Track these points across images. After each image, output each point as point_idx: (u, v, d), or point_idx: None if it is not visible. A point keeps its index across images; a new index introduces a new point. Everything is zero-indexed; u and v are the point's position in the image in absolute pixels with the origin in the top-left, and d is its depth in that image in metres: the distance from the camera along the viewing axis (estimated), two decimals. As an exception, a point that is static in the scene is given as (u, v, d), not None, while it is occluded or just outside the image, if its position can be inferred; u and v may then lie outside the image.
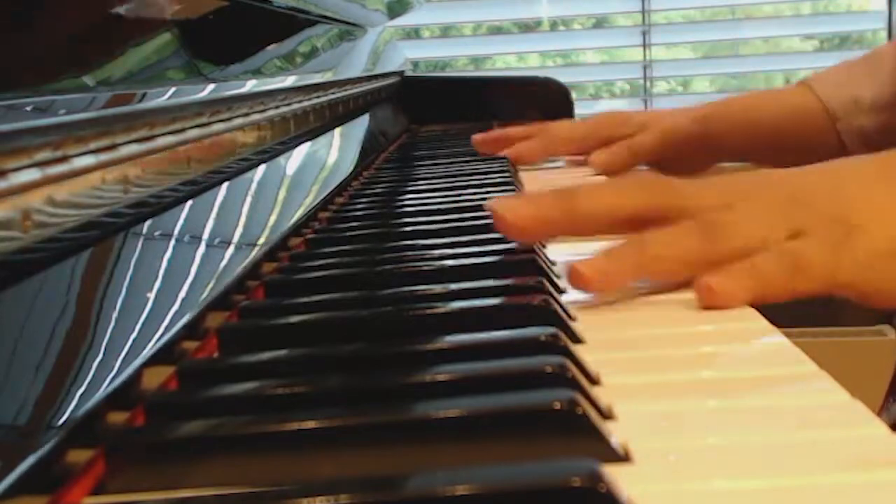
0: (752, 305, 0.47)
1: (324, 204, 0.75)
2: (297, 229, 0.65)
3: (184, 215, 0.50)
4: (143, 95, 0.48)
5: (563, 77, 1.53)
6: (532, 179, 0.95)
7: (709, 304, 0.46)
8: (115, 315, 0.38)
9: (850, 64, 0.98)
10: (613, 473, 0.27)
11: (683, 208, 0.51)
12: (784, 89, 1.03)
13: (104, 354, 0.35)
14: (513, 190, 0.77)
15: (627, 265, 0.49)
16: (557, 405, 0.30)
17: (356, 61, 1.21)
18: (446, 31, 2.49)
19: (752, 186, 0.53)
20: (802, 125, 0.96)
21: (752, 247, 0.49)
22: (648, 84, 2.37)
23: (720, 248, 0.49)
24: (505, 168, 0.92)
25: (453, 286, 0.47)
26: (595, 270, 0.48)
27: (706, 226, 0.49)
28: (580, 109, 1.51)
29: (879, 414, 0.85)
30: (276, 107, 0.73)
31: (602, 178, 0.90)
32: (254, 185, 0.63)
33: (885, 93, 0.92)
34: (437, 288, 0.48)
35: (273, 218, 0.62)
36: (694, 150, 0.98)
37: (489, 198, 0.73)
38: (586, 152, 0.98)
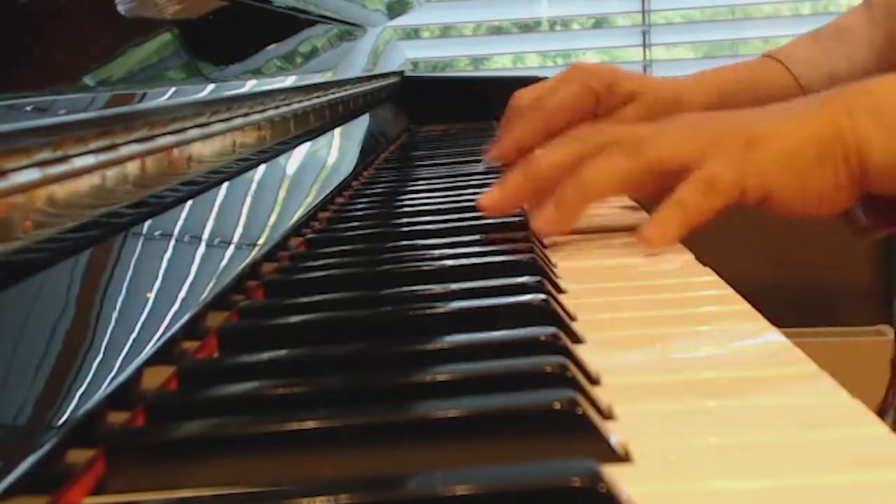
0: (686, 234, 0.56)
1: (324, 204, 0.75)
2: (297, 229, 0.65)
3: (184, 215, 0.50)
4: (143, 95, 0.48)
5: (563, 77, 1.52)
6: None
7: (650, 245, 0.56)
8: (115, 315, 0.38)
9: (818, 38, 0.94)
10: (613, 473, 0.27)
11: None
12: (754, 64, 0.97)
13: (104, 354, 0.35)
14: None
15: (570, 204, 0.58)
16: (557, 405, 0.30)
17: (356, 61, 1.21)
18: (446, 32, 2.49)
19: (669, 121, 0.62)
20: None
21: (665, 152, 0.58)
22: (648, 84, 2.37)
23: (642, 160, 0.58)
24: (505, 168, 0.92)
25: (453, 286, 0.47)
26: (496, 200, 0.62)
27: (630, 145, 0.58)
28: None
29: (882, 413, 0.84)
30: (276, 107, 0.73)
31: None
32: (254, 185, 0.62)
33: (860, 65, 0.90)
34: (437, 288, 0.48)
35: (273, 218, 0.62)
36: None
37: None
38: (582, 121, 0.85)
